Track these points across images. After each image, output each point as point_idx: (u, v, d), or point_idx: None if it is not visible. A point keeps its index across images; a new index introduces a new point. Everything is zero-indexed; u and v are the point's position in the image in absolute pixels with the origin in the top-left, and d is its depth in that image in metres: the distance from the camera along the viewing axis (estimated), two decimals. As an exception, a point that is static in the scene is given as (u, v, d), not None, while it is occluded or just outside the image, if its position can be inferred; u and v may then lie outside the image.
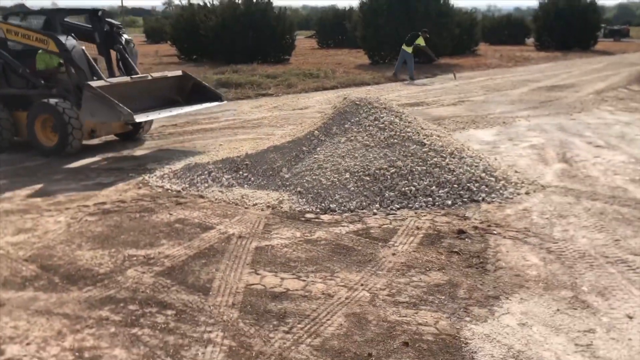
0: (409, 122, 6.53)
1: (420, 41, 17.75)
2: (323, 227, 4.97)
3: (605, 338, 3.24)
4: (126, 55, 8.48)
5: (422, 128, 6.54)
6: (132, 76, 8.02)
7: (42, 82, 7.98)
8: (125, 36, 8.85)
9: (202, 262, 4.29)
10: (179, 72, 8.73)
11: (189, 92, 8.54)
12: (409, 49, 17.61)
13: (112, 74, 8.55)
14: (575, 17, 31.25)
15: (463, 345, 3.19)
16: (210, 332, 3.32)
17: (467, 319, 3.47)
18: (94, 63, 7.97)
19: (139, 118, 7.27)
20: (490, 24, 39.23)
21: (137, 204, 5.67)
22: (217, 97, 8.70)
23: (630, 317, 3.45)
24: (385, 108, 6.72)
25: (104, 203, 5.73)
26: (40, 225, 5.14)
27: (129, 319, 3.48)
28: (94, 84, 7.13)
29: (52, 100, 7.51)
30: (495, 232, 4.88)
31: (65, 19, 8.51)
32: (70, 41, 7.69)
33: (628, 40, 44.60)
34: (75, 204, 5.70)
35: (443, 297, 3.74)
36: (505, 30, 38.54)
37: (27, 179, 6.67)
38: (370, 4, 22.75)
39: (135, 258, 4.38)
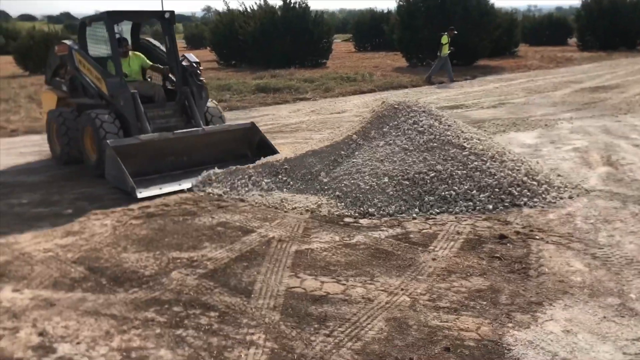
0: (449, 125, 6.48)
1: (444, 39, 17.60)
2: (362, 231, 4.99)
3: (654, 347, 3.16)
4: (193, 102, 7.49)
5: (462, 131, 6.48)
6: (176, 132, 6.98)
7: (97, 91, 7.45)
8: (201, 78, 7.78)
9: (243, 264, 4.37)
10: (247, 124, 7.64)
11: (256, 146, 7.51)
12: (442, 52, 17.50)
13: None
14: (620, 16, 30.36)
15: (505, 351, 3.16)
16: (252, 334, 3.37)
17: (510, 325, 3.43)
18: (143, 111, 7.12)
19: (143, 194, 6.19)
20: (531, 25, 38.42)
21: (180, 208, 5.80)
22: (274, 153, 7.26)
23: (681, 326, 3.35)
24: (424, 111, 6.69)
25: (148, 207, 5.88)
26: (88, 228, 5.32)
27: (174, 320, 3.57)
28: (115, 142, 6.52)
29: (94, 112, 7.04)
30: (537, 237, 4.80)
31: (147, 39, 8.50)
32: (120, 83, 7.14)
33: (676, 39, 42.97)
34: (120, 208, 5.87)
35: (485, 303, 3.70)
36: (547, 30, 37.68)
37: (72, 183, 6.90)
38: (408, 6, 22.63)
39: (179, 260, 4.49)
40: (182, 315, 3.62)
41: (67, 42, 8.12)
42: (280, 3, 23.63)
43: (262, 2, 24.18)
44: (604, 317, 3.48)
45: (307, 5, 23.67)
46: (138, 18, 8.31)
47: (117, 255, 4.64)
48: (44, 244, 4.92)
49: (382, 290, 3.90)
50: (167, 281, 4.12)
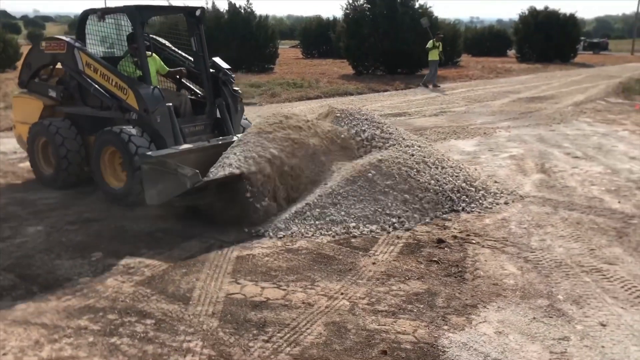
0: (390, 134, 6.59)
1: (429, 44, 18.39)
2: (305, 237, 5.00)
3: (579, 346, 3.31)
4: (227, 113, 6.66)
5: (403, 138, 6.61)
6: (211, 140, 6.17)
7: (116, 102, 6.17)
8: (235, 87, 7.02)
9: (182, 271, 4.29)
10: None
11: None
12: (431, 56, 18.30)
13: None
14: (555, 30, 31.81)
15: (440, 353, 3.24)
16: (189, 341, 3.32)
17: (445, 327, 3.51)
18: (177, 123, 6.11)
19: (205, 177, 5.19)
20: (473, 36, 39.69)
21: (119, 213, 5.64)
22: None
23: (604, 325, 3.53)
24: (366, 119, 6.78)
25: (84, 212, 5.69)
26: (19, 233, 5.10)
27: (108, 328, 3.47)
28: (152, 154, 5.48)
29: (117, 128, 5.90)
30: (474, 241, 4.94)
31: (164, 42, 7.21)
32: (156, 94, 5.99)
33: (607, 53, 45.46)
34: (55, 213, 5.66)
35: (422, 306, 3.78)
36: (487, 42, 39.01)
37: (3, 188, 6.61)
38: (355, 14, 22.91)
39: (115, 267, 4.36)
40: (117, 323, 3.52)
41: (65, 37, 6.80)
42: (226, 7, 23.45)
43: (209, 7, 23.92)
44: (534, 318, 3.62)
45: (251, 9, 23.59)
46: (167, 13, 7.27)
47: (50, 262, 4.48)
48: (-30, 251, 4.69)
49: (322, 295, 3.92)
50: (102, 288, 4.01)
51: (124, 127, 5.90)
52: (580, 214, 5.66)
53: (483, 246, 4.84)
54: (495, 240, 4.96)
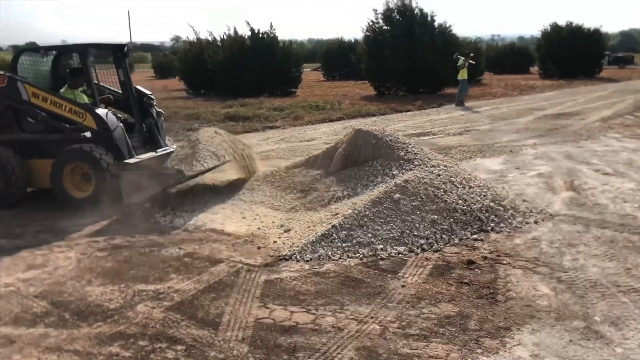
0: (415, 154, 6.57)
1: (460, 62, 18.69)
2: (332, 260, 4.97)
3: (619, 369, 3.20)
4: (157, 132, 7.90)
5: (428, 158, 6.58)
6: (158, 150, 7.47)
7: (67, 125, 7.04)
8: (157, 109, 8.13)
9: (211, 296, 4.30)
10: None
11: None
12: (460, 75, 18.59)
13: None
14: (579, 45, 31.49)
15: (475, 378, 3.16)
16: (220, 367, 3.30)
17: (479, 350, 3.44)
18: (128, 139, 7.25)
19: (188, 172, 6.64)
20: (495, 53, 39.54)
21: (147, 239, 5.70)
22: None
23: (645, 348, 3.41)
24: (391, 140, 6.78)
25: (113, 238, 5.76)
26: (51, 261, 5.18)
27: (139, 354, 3.48)
28: (124, 163, 6.72)
29: (86, 146, 6.81)
30: (505, 262, 4.86)
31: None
32: (110, 117, 7.03)
33: (632, 67, 44.79)
34: (85, 240, 5.74)
35: (454, 329, 3.71)
36: (510, 59, 38.83)
37: (34, 215, 6.73)
38: (375, 36, 23.06)
39: (145, 293, 4.39)
40: (148, 350, 3.53)
41: (3, 72, 7.40)
42: (249, 33, 23.79)
43: (231, 32, 24.33)
44: (571, 341, 3.52)
45: (275, 35, 23.90)
46: (105, 49, 8.46)
47: (81, 288, 4.52)
48: (5, 279, 4.76)
49: (352, 319, 3.88)
50: (132, 314, 4.03)
51: (89, 144, 6.84)
52: (613, 232, 5.53)
53: (514, 267, 4.75)
54: (526, 261, 4.87)
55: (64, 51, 8.23)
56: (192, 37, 25.91)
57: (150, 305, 4.18)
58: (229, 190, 7.41)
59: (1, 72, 7.44)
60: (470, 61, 18.92)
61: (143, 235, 5.82)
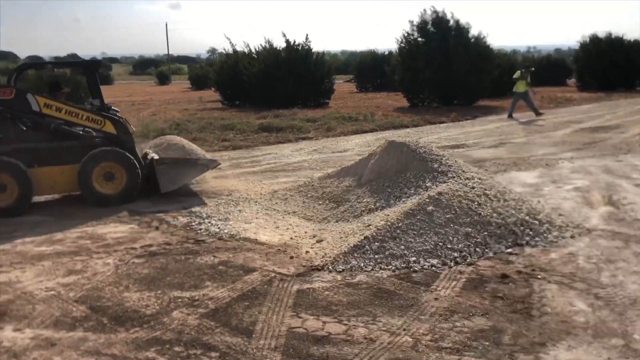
0: (449, 166, 6.54)
1: (516, 75, 18.56)
2: (364, 271, 4.98)
3: (659, 389, 3.12)
4: None
5: (462, 171, 6.54)
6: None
7: (89, 132, 7.76)
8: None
9: (245, 304, 4.36)
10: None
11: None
12: (517, 88, 18.41)
13: None
14: (618, 57, 30.81)
15: (509, 393, 3.12)
16: (253, 375, 3.35)
17: (513, 366, 3.40)
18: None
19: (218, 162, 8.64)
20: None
21: (183, 247, 5.82)
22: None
23: (686, 368, 3.32)
24: (424, 151, 6.77)
25: (150, 245, 5.90)
26: (90, 267, 5.32)
27: (175, 360, 3.55)
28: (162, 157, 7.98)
29: (116, 149, 7.68)
30: (540, 276, 4.79)
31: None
32: (123, 121, 8.02)
33: (675, 79, 43.50)
34: (123, 247, 5.89)
35: (487, 343, 3.68)
36: (546, 71, 38.19)
37: (74, 221, 6.93)
38: (409, 47, 23.04)
39: (180, 300, 4.48)
40: (183, 356, 3.60)
41: (11, 85, 7.64)
42: (284, 45, 24.08)
43: (266, 44, 24.65)
44: (608, 359, 3.45)
45: (309, 47, 24.12)
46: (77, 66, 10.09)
47: (119, 294, 4.64)
48: (46, 283, 4.92)
49: (384, 331, 3.88)
50: (168, 321, 4.11)
51: (116, 148, 7.70)
52: (654, 249, 5.39)
53: (550, 282, 4.67)
54: (562, 276, 4.79)
55: (74, 66, 9.40)
56: (228, 48, 26.33)
57: (186, 312, 4.26)
58: (263, 199, 7.50)
59: (8, 85, 7.66)
60: (530, 71, 18.75)
61: (179, 243, 5.94)
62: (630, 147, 11.62)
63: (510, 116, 18.22)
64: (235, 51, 25.92)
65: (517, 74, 18.49)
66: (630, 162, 9.96)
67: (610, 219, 6.41)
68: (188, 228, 6.47)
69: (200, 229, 6.39)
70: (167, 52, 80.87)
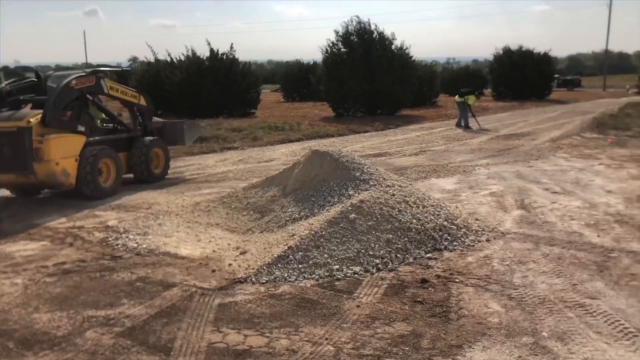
0: (371, 174, 6.66)
1: (471, 99, 18.50)
2: (288, 281, 4.96)
3: (565, 383, 3.28)
4: None
5: (384, 179, 6.67)
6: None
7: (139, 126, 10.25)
8: None
9: (163, 321, 4.21)
10: None
11: None
12: (468, 100, 18.58)
13: None
14: (529, 68, 32.68)
15: (427, 396, 3.19)
16: (171, 394, 3.23)
17: (431, 369, 3.47)
18: None
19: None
20: (449, 76, 40.59)
21: (98, 263, 5.56)
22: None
23: (589, 361, 3.51)
24: (347, 160, 6.85)
25: (63, 263, 5.60)
26: (-4, 288, 4.99)
27: (87, 383, 3.37)
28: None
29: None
30: (457, 280, 4.94)
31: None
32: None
33: (580, 90, 46.75)
34: (33, 265, 5.56)
35: (407, 349, 3.74)
36: (464, 81, 39.86)
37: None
38: (334, 58, 23.36)
39: (94, 319, 4.27)
40: (95, 378, 3.43)
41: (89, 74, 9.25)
42: (208, 54, 23.73)
43: (189, 53, 24.21)
44: (519, 357, 3.60)
45: (234, 56, 23.92)
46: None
47: (28, 316, 4.37)
48: (-56, 308, 4.56)
49: (306, 341, 3.86)
50: (81, 342, 3.91)
51: (159, 138, 10.50)
52: (561, 249, 5.71)
53: (467, 285, 4.83)
54: (478, 279, 4.97)
55: (113, 71, 10.90)
56: (150, 57, 25.64)
57: (100, 331, 4.07)
58: (185, 212, 7.33)
59: (90, 74, 9.22)
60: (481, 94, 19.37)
61: (94, 259, 5.68)
62: (541, 153, 12.30)
63: (465, 126, 18.52)
64: (157, 59, 25.28)
65: (471, 99, 18.69)
66: (541, 167, 10.53)
67: (522, 222, 6.74)
68: (104, 244, 6.21)
69: (117, 245, 6.14)
70: (85, 61, 78.05)
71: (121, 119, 10.08)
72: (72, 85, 8.63)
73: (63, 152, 8.23)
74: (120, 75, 10.51)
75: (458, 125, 18.54)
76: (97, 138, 9.13)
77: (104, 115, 9.88)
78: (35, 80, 9.38)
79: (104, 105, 9.80)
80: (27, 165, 7.91)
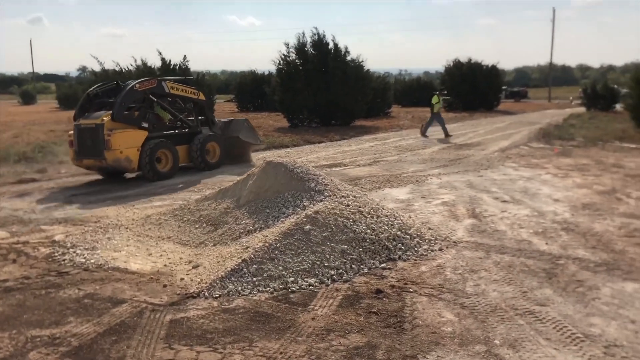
0: (326, 185, 6.66)
1: (434, 99, 19.44)
2: (242, 295, 4.88)
3: (517, 390, 3.33)
4: None
5: (338, 189, 6.68)
6: None
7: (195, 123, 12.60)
8: None
9: (112, 339, 4.07)
10: None
11: None
12: (435, 109, 19.24)
13: None
14: (479, 80, 33.62)
15: (383, 408, 3.17)
16: (119, 416, 3.11)
17: (386, 381, 3.46)
18: None
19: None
20: (402, 87, 41.31)
21: (43, 280, 5.34)
22: None
23: (539, 368, 3.58)
24: (302, 171, 6.83)
25: (5, 280, 5.35)
26: None
27: (29, 408, 3.21)
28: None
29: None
30: (411, 289, 4.98)
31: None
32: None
33: (527, 101, 48.37)
34: (-27, 284, 5.29)
35: (362, 360, 3.73)
36: (416, 92, 40.65)
37: None
38: (288, 69, 23.38)
39: (39, 339, 4.09)
40: (38, 402, 3.27)
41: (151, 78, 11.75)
42: (160, 64, 23.35)
43: (140, 63, 23.74)
44: (473, 365, 3.64)
45: (187, 66, 23.61)
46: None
47: (-34, 338, 4.14)
48: None
49: (260, 356, 3.80)
50: (23, 364, 3.73)
51: (215, 133, 12.87)
52: (511, 257, 5.83)
53: (420, 294, 4.87)
54: (431, 288, 5.02)
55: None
56: (97, 68, 24.99)
57: (45, 351, 3.89)
58: (135, 225, 7.14)
59: (151, 77, 11.84)
60: (444, 97, 19.89)
61: (39, 276, 5.45)
62: (490, 162, 12.61)
63: (424, 135, 18.96)
64: (105, 70, 24.66)
65: (434, 99, 19.42)
66: (490, 176, 10.79)
67: (474, 231, 6.86)
68: (50, 259, 5.97)
69: (63, 260, 5.92)
70: (32, 70, 75.60)
71: (184, 117, 12.32)
72: (136, 88, 11.07)
73: (126, 143, 10.65)
74: (183, 82, 12.87)
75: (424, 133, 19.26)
76: (159, 133, 11.44)
77: (169, 116, 11.93)
78: (115, 84, 11.69)
79: (168, 107, 11.91)
80: (101, 153, 10.51)
